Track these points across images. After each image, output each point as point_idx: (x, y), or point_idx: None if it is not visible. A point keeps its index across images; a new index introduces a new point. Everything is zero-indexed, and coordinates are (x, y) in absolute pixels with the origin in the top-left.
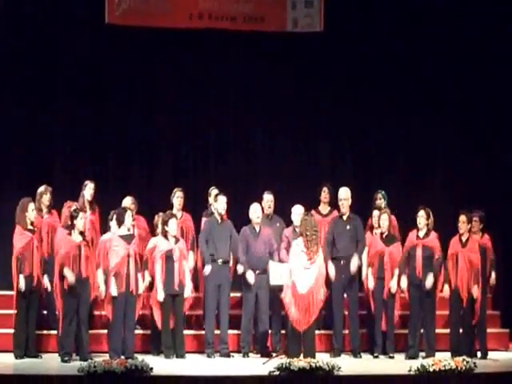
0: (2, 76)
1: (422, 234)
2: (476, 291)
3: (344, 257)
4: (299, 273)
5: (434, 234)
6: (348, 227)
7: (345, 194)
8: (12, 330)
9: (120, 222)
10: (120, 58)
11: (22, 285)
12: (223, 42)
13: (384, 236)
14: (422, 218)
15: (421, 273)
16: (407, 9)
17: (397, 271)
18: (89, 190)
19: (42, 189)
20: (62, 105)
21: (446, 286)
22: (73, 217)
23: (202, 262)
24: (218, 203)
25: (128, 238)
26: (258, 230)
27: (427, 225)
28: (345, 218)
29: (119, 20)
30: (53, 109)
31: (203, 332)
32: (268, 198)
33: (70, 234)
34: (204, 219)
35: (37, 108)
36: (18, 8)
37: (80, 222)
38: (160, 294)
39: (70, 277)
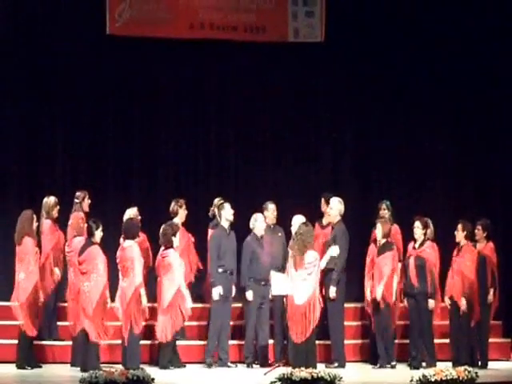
0: (3, 85)
1: (417, 244)
2: (464, 304)
3: (324, 269)
4: (296, 284)
5: (428, 244)
6: (329, 238)
7: (331, 203)
8: (13, 341)
9: (133, 235)
10: (121, 69)
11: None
12: (224, 52)
13: (380, 245)
14: (417, 228)
15: (415, 283)
16: (408, 19)
17: (384, 282)
18: (87, 200)
19: (53, 200)
20: (62, 114)
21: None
22: (91, 228)
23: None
24: (226, 211)
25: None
26: (261, 240)
27: (424, 234)
28: (329, 228)
29: (120, 31)
30: (53, 118)
31: (205, 342)
32: (273, 208)
33: (92, 243)
34: (211, 231)
35: (37, 118)
36: (19, 19)
37: (99, 234)
38: (190, 303)
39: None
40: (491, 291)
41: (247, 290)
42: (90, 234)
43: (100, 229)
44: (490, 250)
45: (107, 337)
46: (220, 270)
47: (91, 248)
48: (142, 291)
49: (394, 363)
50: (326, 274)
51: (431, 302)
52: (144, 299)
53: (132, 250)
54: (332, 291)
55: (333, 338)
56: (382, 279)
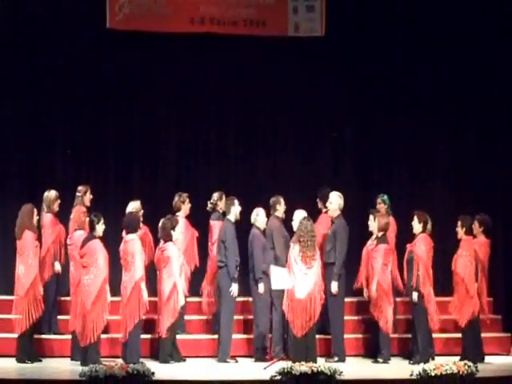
0: (3, 85)
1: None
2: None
3: (325, 264)
4: (297, 278)
5: (419, 238)
6: (329, 232)
7: (331, 197)
8: (13, 335)
9: (135, 228)
10: (121, 63)
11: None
12: (224, 46)
13: (375, 238)
14: (414, 223)
15: (406, 277)
16: (408, 13)
17: (376, 277)
18: (89, 195)
19: (54, 194)
20: (62, 109)
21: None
22: (92, 222)
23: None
24: (236, 207)
25: None
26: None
27: (423, 229)
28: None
29: (120, 25)
30: (53, 113)
31: (205, 337)
32: (283, 202)
33: (94, 237)
34: (215, 223)
35: (37, 112)
36: (19, 14)
37: (100, 228)
38: (182, 300)
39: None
40: (475, 285)
41: (259, 282)
42: (92, 227)
43: (101, 222)
44: (478, 244)
45: (93, 339)
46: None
47: (92, 242)
48: (143, 285)
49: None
50: (326, 269)
51: (414, 295)
52: (145, 293)
53: (133, 243)
54: (334, 286)
55: (333, 332)
56: (374, 275)
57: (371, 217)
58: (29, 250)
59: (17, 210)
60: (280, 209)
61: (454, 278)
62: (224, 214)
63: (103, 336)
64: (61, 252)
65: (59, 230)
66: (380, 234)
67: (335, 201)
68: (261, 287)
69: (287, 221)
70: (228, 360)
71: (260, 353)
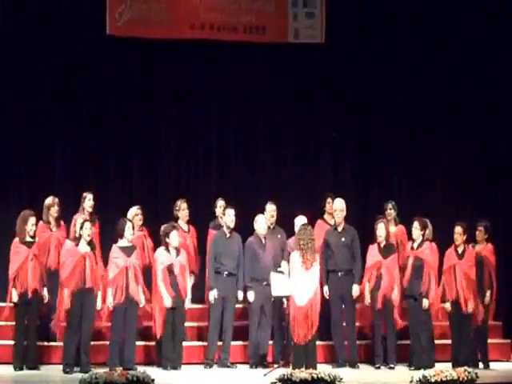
0: (3, 84)
1: (416, 244)
2: (471, 305)
3: (342, 269)
4: (298, 285)
5: (427, 245)
6: (343, 239)
7: (340, 205)
8: (10, 342)
9: (120, 235)
10: (121, 69)
11: (15, 298)
12: (224, 52)
13: (382, 246)
14: (415, 229)
15: (412, 283)
16: (408, 19)
17: (397, 283)
18: (88, 201)
19: (49, 201)
20: (62, 109)
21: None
22: (81, 227)
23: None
24: (226, 216)
25: (128, 250)
26: (264, 241)
27: (423, 235)
28: (340, 229)
29: (120, 31)
30: (53, 119)
31: (204, 343)
32: (271, 208)
33: (77, 245)
34: (211, 231)
35: (37, 112)
36: (19, 19)
37: (86, 232)
38: (167, 301)
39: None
40: (488, 292)
41: (248, 290)
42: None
43: (84, 227)
44: (488, 251)
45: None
46: (215, 272)
47: (67, 245)
48: (108, 290)
49: (392, 364)
50: (346, 275)
51: (425, 302)
52: (108, 298)
53: (112, 249)
54: (355, 289)
55: (349, 338)
56: (395, 282)
57: (382, 224)
58: (12, 256)
59: (15, 214)
60: (265, 215)
61: (464, 285)
62: None
63: (96, 342)
64: (46, 259)
65: (49, 236)
66: (385, 241)
67: (344, 207)
68: (250, 295)
69: (288, 226)
70: (228, 365)
71: (255, 359)
